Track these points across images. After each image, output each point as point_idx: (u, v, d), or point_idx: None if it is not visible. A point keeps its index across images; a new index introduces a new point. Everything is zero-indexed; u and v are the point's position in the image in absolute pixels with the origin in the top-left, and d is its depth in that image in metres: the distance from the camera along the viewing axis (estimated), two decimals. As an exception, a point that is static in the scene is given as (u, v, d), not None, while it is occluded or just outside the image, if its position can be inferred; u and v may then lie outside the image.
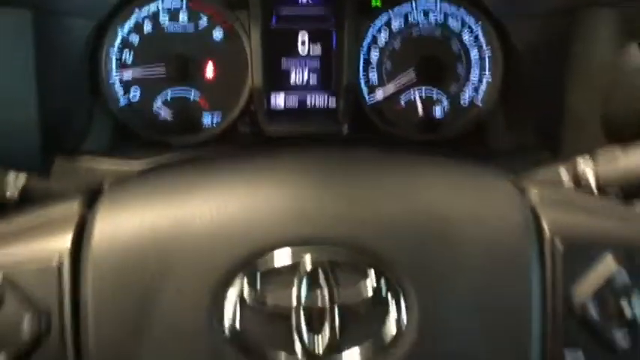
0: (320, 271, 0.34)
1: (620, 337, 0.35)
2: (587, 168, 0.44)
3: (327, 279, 0.34)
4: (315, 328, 0.34)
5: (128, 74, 0.73)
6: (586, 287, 0.36)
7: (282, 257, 0.35)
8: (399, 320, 0.35)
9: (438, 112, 0.76)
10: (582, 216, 0.38)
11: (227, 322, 0.34)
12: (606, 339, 0.35)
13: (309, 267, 0.35)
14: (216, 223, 0.35)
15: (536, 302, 0.35)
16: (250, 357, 0.34)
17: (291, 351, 0.34)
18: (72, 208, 0.38)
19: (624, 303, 0.35)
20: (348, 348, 0.34)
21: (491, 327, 0.35)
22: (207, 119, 0.76)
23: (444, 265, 0.35)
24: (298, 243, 0.35)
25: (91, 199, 0.39)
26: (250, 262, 0.35)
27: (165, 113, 0.75)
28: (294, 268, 0.35)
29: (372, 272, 0.35)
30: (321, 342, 0.34)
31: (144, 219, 0.36)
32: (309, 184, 0.37)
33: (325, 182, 0.37)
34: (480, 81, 0.75)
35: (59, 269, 0.36)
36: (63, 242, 0.36)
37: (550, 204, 0.38)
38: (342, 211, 0.36)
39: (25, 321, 0.35)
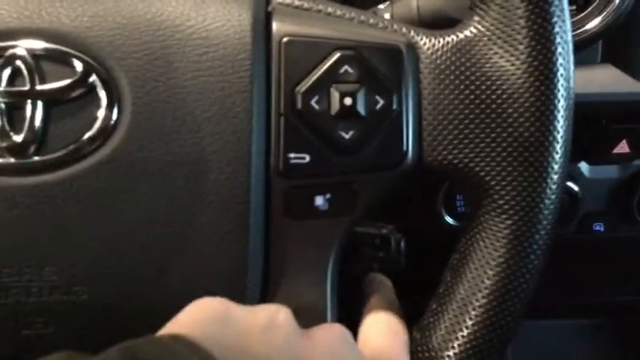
0: (21, 60, 0.33)
1: (345, 134, 0.35)
2: (378, 9, 0.44)
3: (27, 67, 0.33)
4: (15, 119, 0.33)
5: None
6: (309, 84, 0.35)
7: None
8: (108, 116, 0.33)
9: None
10: (316, 19, 0.37)
11: None
12: (330, 136, 0.35)
13: (8, 57, 0.33)
14: None
15: (257, 104, 0.35)
16: None
17: None
18: None
19: (348, 99, 0.35)
20: (52, 141, 0.33)
21: (210, 132, 0.34)
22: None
23: (161, 63, 0.34)
24: (9, 33, 0.33)
25: None
26: None
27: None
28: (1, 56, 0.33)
29: (79, 63, 0.33)
30: (21, 135, 0.33)
31: None
32: None
33: None
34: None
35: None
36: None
37: (286, 8, 0.37)
38: (47, 2, 0.34)
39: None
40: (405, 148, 0.36)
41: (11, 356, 0.35)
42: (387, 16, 0.45)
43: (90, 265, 0.34)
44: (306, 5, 0.38)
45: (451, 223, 0.62)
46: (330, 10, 0.38)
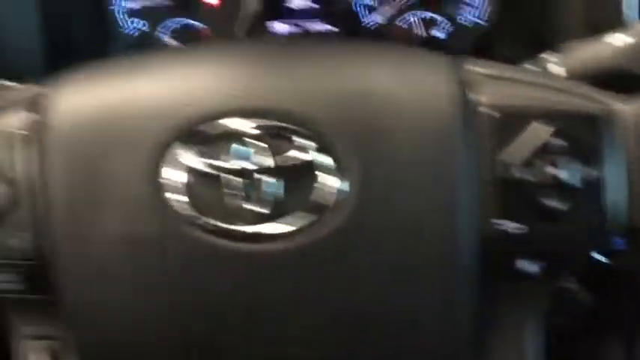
0: (256, 139, 0.36)
1: (557, 202, 0.36)
2: (550, 62, 0.45)
3: (265, 144, 0.36)
4: (250, 193, 0.36)
5: (132, 4, 0.76)
6: (516, 154, 0.36)
7: (218, 125, 0.36)
8: (335, 192, 0.36)
9: (440, 33, 0.76)
10: (513, 86, 0.38)
11: (166, 183, 0.37)
12: (542, 205, 0.36)
13: (245, 134, 0.36)
14: (156, 96, 0.37)
15: (464, 171, 0.36)
16: (191, 218, 0.36)
17: (229, 213, 0.36)
18: (30, 89, 0.41)
19: (557, 169, 0.36)
20: (282, 212, 0.36)
21: (419, 199, 0.36)
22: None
23: (377, 136, 0.36)
24: (236, 112, 0.36)
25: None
26: (189, 129, 0.36)
27: (169, 41, 0.77)
28: (231, 135, 0.36)
29: (308, 142, 0.36)
30: (255, 207, 0.36)
31: (95, 93, 0.38)
32: (249, 59, 0.39)
33: (263, 59, 0.39)
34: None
35: (23, 140, 0.38)
36: (23, 116, 0.39)
37: (480, 76, 0.38)
38: (280, 83, 0.37)
39: None
40: (613, 214, 0.37)
41: None
42: (559, 70, 0.46)
43: (307, 326, 0.37)
44: (496, 73, 0.40)
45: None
46: (521, 77, 0.40)
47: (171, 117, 0.37)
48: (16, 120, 0.39)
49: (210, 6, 0.76)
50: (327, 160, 0.36)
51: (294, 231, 0.36)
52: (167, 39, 0.77)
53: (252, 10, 0.73)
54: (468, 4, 0.75)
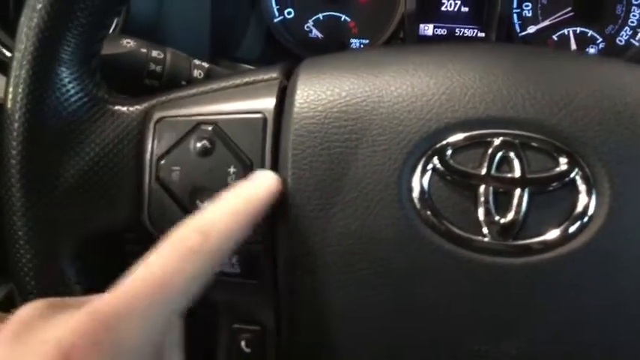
0: (510, 149, 0.35)
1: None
2: None
3: (517, 155, 0.35)
4: (501, 203, 0.35)
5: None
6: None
7: (473, 134, 0.36)
8: (587, 206, 0.35)
9: (591, 51, 0.74)
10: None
11: (415, 188, 0.36)
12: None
13: (499, 144, 0.35)
14: (410, 95, 0.36)
15: None
16: (434, 223, 0.35)
17: (476, 223, 0.35)
18: (273, 73, 0.41)
19: None
20: (532, 228, 0.35)
21: None
22: (354, 43, 0.77)
23: (638, 153, 0.35)
24: (490, 122, 0.36)
25: (288, 69, 0.42)
26: (442, 135, 0.36)
27: (315, 32, 0.77)
28: (486, 144, 0.36)
29: (562, 156, 0.35)
30: (506, 218, 0.35)
31: (341, 87, 0.38)
32: (500, 66, 0.38)
33: (516, 66, 0.38)
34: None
35: (264, 123, 0.38)
36: (267, 101, 0.39)
37: None
38: (535, 93, 0.36)
39: (230, 169, 0.38)
40: None
41: None
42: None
43: (545, 346, 0.36)
44: None
45: None
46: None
47: (425, 122, 0.36)
48: (261, 104, 0.39)
49: (362, 1, 0.76)
50: (580, 182, 0.35)
51: (534, 246, 0.35)
52: (313, 29, 0.77)
53: (408, 10, 0.73)
54: (624, 24, 0.73)
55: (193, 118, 0.40)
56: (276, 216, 0.38)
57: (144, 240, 0.38)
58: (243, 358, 0.41)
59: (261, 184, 0.36)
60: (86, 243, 0.41)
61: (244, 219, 0.34)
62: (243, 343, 0.42)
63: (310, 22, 0.76)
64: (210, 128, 0.39)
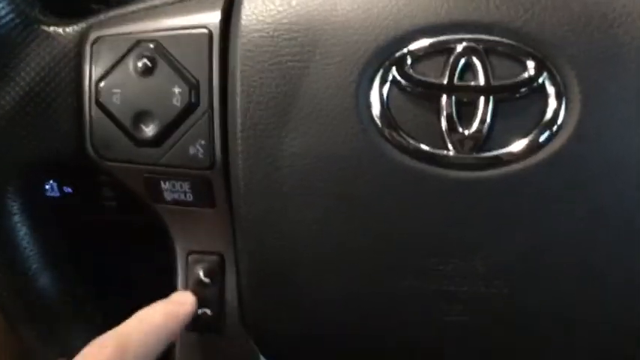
0: (474, 55, 0.33)
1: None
2: None
3: (482, 62, 0.33)
4: (465, 114, 0.33)
5: None
6: None
7: (433, 41, 0.33)
8: (557, 113, 0.33)
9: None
10: None
11: (374, 101, 0.33)
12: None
13: (462, 51, 0.33)
14: (366, 1, 0.34)
15: None
16: (395, 138, 0.33)
17: (439, 136, 0.33)
18: None
19: None
20: (499, 138, 0.33)
21: None
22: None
23: (609, 55, 0.32)
24: (452, 27, 0.33)
25: None
26: (401, 43, 0.33)
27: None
28: (448, 51, 0.33)
29: (530, 60, 0.33)
30: (470, 130, 0.33)
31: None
32: None
33: None
34: None
35: (210, 39, 0.36)
36: (212, 15, 0.36)
37: None
38: None
39: (175, 89, 0.36)
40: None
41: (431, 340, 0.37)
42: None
43: (515, 262, 0.35)
44: None
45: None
46: None
47: (382, 29, 0.33)
48: (206, 18, 0.36)
49: None
50: (549, 86, 0.33)
51: (500, 158, 0.33)
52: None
53: None
54: None
55: (132, 35, 0.37)
56: (226, 138, 0.35)
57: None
58: (203, 287, 0.40)
59: (181, 303, 0.38)
60: (32, 174, 0.39)
61: (164, 333, 0.35)
62: (201, 273, 0.40)
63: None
64: (151, 46, 0.36)
